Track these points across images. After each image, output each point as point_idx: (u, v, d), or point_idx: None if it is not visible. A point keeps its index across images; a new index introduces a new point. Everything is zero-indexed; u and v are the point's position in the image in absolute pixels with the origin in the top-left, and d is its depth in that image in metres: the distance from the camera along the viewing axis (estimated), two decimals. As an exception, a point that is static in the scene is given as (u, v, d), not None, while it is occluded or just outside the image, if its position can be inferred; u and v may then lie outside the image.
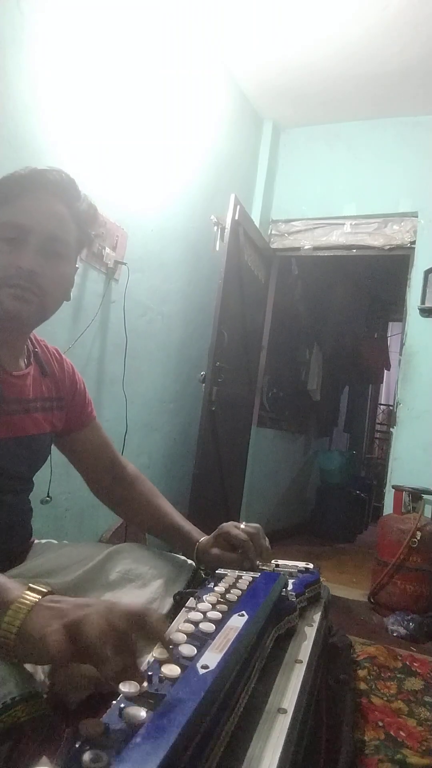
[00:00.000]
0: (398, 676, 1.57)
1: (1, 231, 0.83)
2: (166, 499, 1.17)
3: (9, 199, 0.83)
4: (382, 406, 7.36)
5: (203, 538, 1.09)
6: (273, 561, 1.11)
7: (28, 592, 0.59)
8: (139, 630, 0.55)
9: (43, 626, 0.54)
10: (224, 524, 1.06)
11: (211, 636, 0.62)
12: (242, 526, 1.05)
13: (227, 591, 0.79)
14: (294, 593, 0.89)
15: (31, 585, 0.61)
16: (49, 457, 1.07)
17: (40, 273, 0.85)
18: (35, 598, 0.58)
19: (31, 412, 0.95)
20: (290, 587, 0.92)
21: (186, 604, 0.73)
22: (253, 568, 1.02)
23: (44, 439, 1.00)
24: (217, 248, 2.89)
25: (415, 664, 1.68)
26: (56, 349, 1.08)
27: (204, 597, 0.75)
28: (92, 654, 0.53)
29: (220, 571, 0.93)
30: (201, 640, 0.61)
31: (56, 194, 0.89)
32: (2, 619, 0.57)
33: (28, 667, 0.65)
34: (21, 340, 0.95)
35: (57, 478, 1.71)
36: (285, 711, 0.63)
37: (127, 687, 0.50)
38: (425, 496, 2.66)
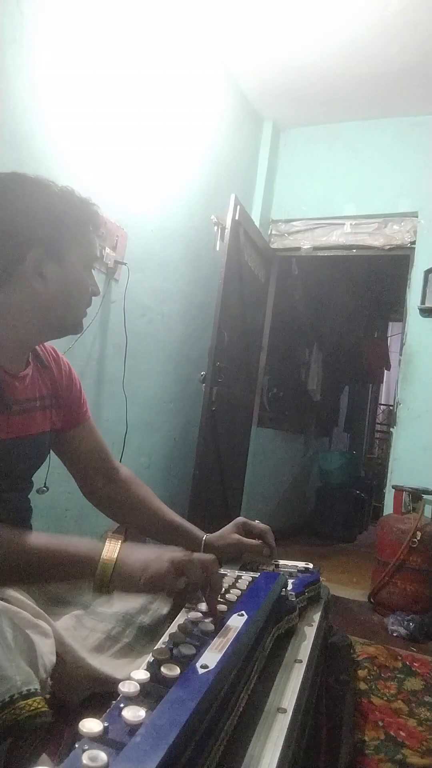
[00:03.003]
0: (398, 676, 1.57)
1: (87, 262, 0.96)
2: (161, 501, 1.18)
3: (87, 234, 0.95)
4: (382, 406, 7.36)
5: (208, 535, 1.10)
6: (273, 561, 1.12)
7: (107, 544, 0.76)
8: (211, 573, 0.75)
9: (145, 562, 0.74)
10: (240, 518, 1.14)
11: (210, 636, 0.62)
12: (255, 522, 1.09)
13: (227, 591, 0.79)
14: (294, 593, 0.89)
15: (108, 537, 0.78)
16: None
17: None
18: (117, 544, 0.76)
19: (31, 412, 0.96)
20: (290, 587, 0.92)
21: (186, 604, 0.74)
22: (256, 566, 1.03)
23: (44, 438, 1.01)
24: (217, 248, 2.89)
25: (415, 664, 1.68)
26: (53, 348, 1.08)
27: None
28: (204, 575, 0.75)
29: (219, 571, 0.93)
30: (201, 639, 0.61)
31: None
32: (96, 567, 0.74)
33: (29, 665, 0.65)
34: (28, 344, 0.95)
35: (57, 478, 1.71)
36: (285, 710, 0.63)
37: (126, 687, 0.50)
38: (425, 496, 2.66)
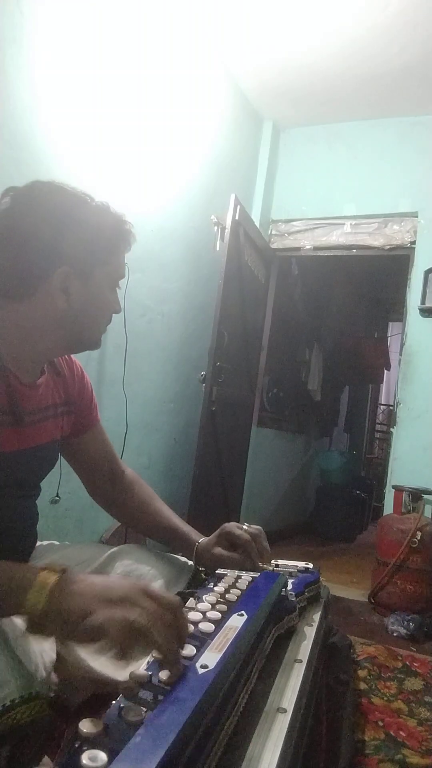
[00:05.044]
0: (398, 676, 1.57)
1: (113, 282, 0.96)
2: (163, 502, 1.17)
3: (117, 253, 0.96)
4: (382, 406, 7.36)
5: (203, 539, 1.09)
6: (273, 561, 1.11)
7: (45, 572, 0.60)
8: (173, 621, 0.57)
9: (85, 608, 0.56)
10: (226, 524, 1.08)
11: (210, 636, 0.62)
12: (245, 527, 1.06)
13: (227, 591, 0.79)
14: (294, 593, 0.89)
15: (46, 566, 0.61)
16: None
17: None
18: (53, 576, 0.59)
19: (43, 421, 0.95)
20: (290, 587, 0.92)
21: (186, 605, 0.74)
22: (254, 569, 1.03)
23: (54, 445, 1.00)
24: (217, 248, 2.89)
25: (415, 664, 1.68)
26: None
27: (203, 597, 0.75)
28: (142, 633, 0.54)
29: (219, 571, 0.93)
30: (200, 640, 0.61)
31: None
32: (26, 598, 0.58)
33: (29, 667, 0.65)
34: (45, 356, 0.95)
35: (57, 478, 1.71)
36: (285, 710, 0.63)
37: (127, 687, 0.50)
38: (425, 496, 2.66)
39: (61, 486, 1.89)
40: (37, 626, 0.57)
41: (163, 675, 0.53)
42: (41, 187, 0.87)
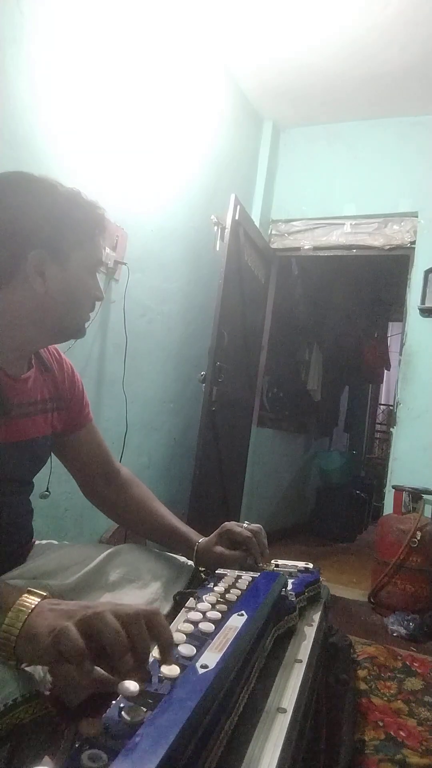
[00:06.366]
0: (398, 676, 1.57)
1: (91, 266, 0.94)
2: (161, 502, 1.17)
3: (91, 237, 0.93)
4: (382, 406, 7.37)
5: (203, 539, 1.09)
6: (273, 561, 1.11)
7: (27, 596, 0.61)
8: (148, 629, 0.56)
9: (52, 625, 0.55)
10: (226, 523, 1.08)
11: (210, 636, 0.62)
12: (245, 525, 1.07)
13: (227, 591, 0.79)
14: (294, 593, 0.89)
15: (30, 588, 0.62)
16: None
17: None
18: (35, 600, 0.60)
19: (32, 416, 0.95)
20: (290, 587, 0.92)
21: (186, 604, 0.74)
22: (256, 566, 1.03)
23: (45, 441, 1.00)
24: (217, 248, 2.89)
25: (415, 664, 1.68)
26: (56, 349, 1.08)
27: (203, 597, 0.75)
28: (107, 649, 0.54)
29: (219, 571, 0.93)
30: (200, 639, 0.61)
31: None
32: (2, 621, 0.58)
33: (26, 666, 0.65)
34: (29, 347, 0.95)
35: (57, 478, 1.71)
36: (284, 710, 0.63)
37: (126, 687, 0.50)
38: (425, 496, 2.66)
39: (59, 485, 1.89)
40: (4, 647, 0.57)
41: (166, 670, 0.53)
42: (7, 176, 0.87)
